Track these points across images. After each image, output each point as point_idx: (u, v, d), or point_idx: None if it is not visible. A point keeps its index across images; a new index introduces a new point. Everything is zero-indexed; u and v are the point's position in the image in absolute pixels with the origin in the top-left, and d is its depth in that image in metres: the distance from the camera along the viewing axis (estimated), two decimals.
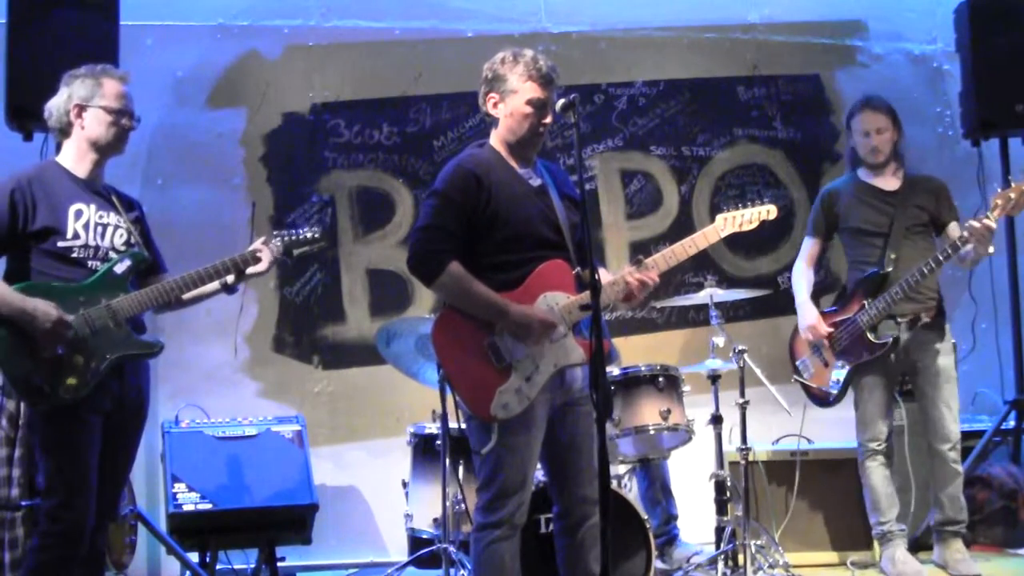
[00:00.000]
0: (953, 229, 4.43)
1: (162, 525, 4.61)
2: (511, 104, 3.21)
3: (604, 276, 3.27)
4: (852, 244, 4.52)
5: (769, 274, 5.70)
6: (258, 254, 3.44)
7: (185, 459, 4.57)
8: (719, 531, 4.47)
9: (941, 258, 4.18)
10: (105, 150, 3.34)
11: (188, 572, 4.53)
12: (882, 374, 4.39)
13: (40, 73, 4.23)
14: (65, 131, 3.33)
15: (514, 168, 3.26)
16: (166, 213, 5.04)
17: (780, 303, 5.64)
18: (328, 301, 5.35)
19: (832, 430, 5.06)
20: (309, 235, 3.58)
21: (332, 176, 5.41)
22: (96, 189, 3.36)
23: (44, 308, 3.10)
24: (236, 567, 4.70)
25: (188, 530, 4.49)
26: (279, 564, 4.61)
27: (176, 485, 4.49)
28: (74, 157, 3.34)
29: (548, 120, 3.22)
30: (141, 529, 4.57)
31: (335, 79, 5.44)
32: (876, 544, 4.53)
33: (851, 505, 4.73)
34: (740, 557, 4.30)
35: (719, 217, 3.45)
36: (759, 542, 4.38)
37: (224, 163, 5.31)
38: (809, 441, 4.90)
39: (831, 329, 4.45)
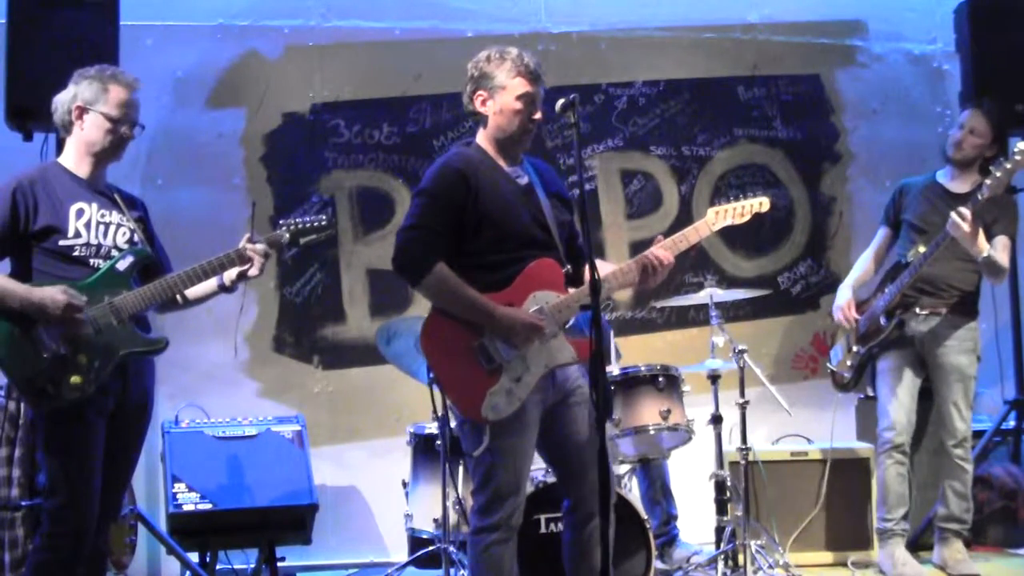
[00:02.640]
0: (996, 243, 4.34)
1: (162, 525, 4.61)
2: (500, 101, 3.20)
3: (605, 267, 3.25)
4: (906, 237, 4.53)
5: (769, 274, 5.69)
6: (246, 253, 3.36)
7: (185, 459, 4.57)
8: (719, 531, 4.47)
9: (934, 245, 4.23)
10: (100, 156, 3.33)
11: (188, 572, 4.53)
12: (899, 364, 4.43)
13: (40, 73, 4.23)
14: (67, 128, 3.32)
15: (501, 166, 3.24)
16: (166, 213, 5.01)
17: (780, 303, 5.66)
18: (328, 301, 5.35)
19: (832, 430, 5.07)
20: (316, 222, 3.51)
21: (332, 176, 5.41)
22: (98, 189, 3.35)
23: (51, 294, 3.08)
24: (236, 567, 4.70)
25: (188, 530, 4.49)
26: (279, 564, 4.61)
27: (176, 485, 4.49)
28: (74, 158, 3.33)
29: (537, 116, 3.20)
30: (141, 529, 4.57)
31: (335, 79, 5.44)
32: (876, 540, 4.54)
33: (851, 505, 4.74)
34: (740, 557, 4.30)
35: (711, 211, 3.39)
36: (759, 542, 4.39)
37: (224, 163, 5.31)
38: (809, 441, 4.90)
39: (858, 316, 4.51)
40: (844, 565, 4.67)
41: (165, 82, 5.24)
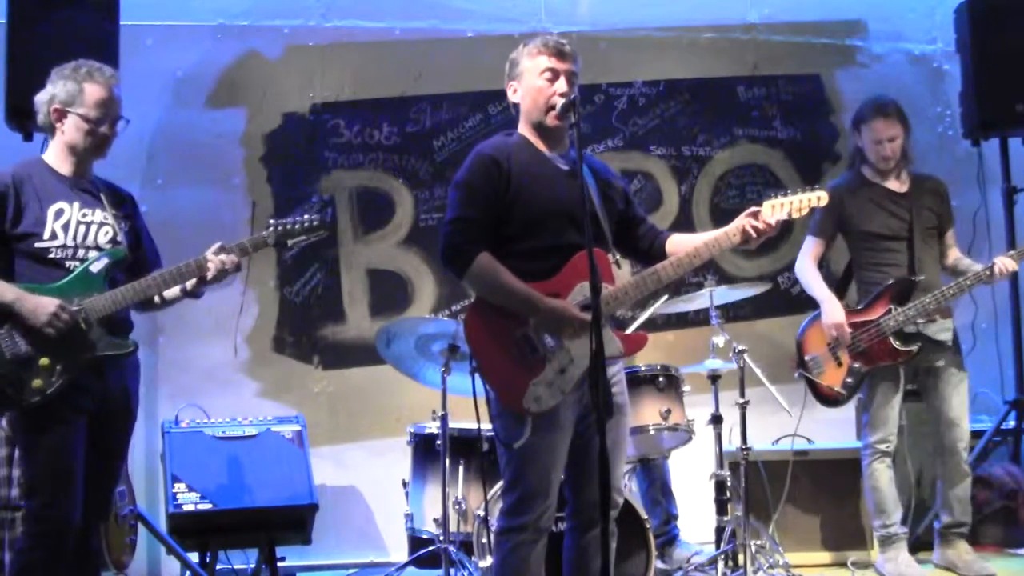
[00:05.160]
0: (950, 237, 4.51)
1: (162, 525, 4.62)
2: (525, 83, 3.18)
3: (690, 239, 3.19)
4: (866, 248, 4.45)
5: (769, 274, 5.70)
6: (206, 263, 3.26)
7: (185, 459, 4.57)
8: (719, 531, 4.47)
9: (984, 276, 4.24)
10: (83, 156, 3.30)
11: (188, 572, 4.53)
12: (898, 377, 4.39)
13: (40, 73, 4.18)
14: (50, 130, 3.30)
15: (542, 151, 3.19)
16: (166, 213, 5.03)
17: (780, 303, 5.66)
18: (328, 301, 5.35)
19: (831, 430, 5.06)
20: (307, 223, 3.40)
21: (332, 176, 5.41)
22: (83, 186, 3.31)
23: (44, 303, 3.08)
24: (236, 567, 4.70)
25: (188, 530, 4.49)
26: (279, 564, 4.62)
27: (176, 485, 4.49)
28: (57, 157, 3.30)
29: (564, 89, 3.12)
30: (141, 529, 4.57)
31: (335, 79, 5.44)
32: (876, 545, 4.53)
33: (851, 505, 4.74)
34: (740, 557, 4.30)
35: (766, 204, 3.18)
36: (759, 542, 4.38)
37: (224, 163, 5.30)
38: (809, 441, 4.90)
39: (851, 329, 4.36)
40: (843, 565, 4.67)
41: (165, 82, 5.24)
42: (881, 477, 4.41)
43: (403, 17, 5.50)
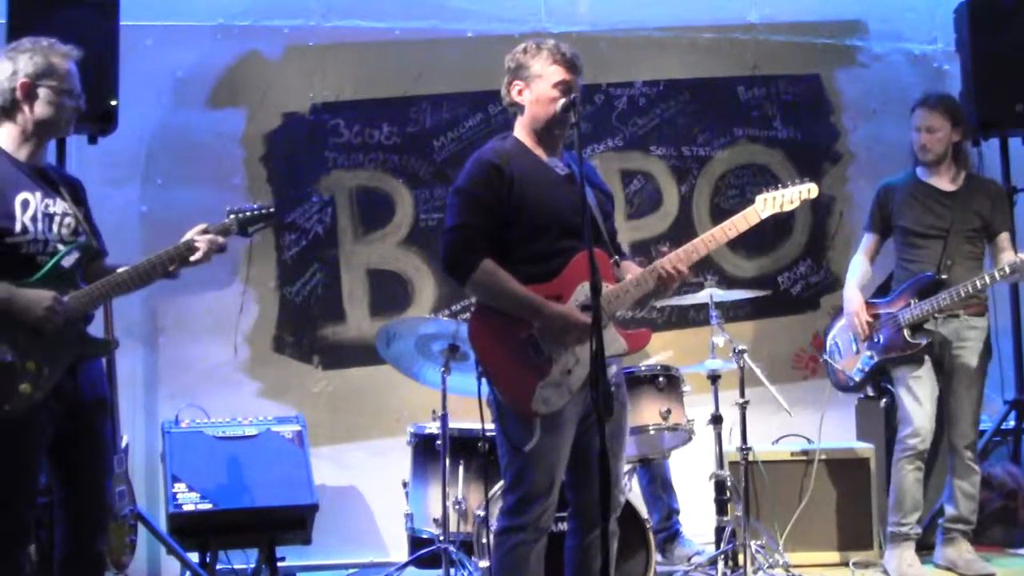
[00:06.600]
0: (1004, 240, 4.46)
1: (162, 525, 4.62)
2: (536, 89, 3.16)
3: (633, 269, 3.22)
4: (903, 242, 4.51)
5: (769, 274, 5.70)
6: (195, 244, 3.18)
7: (185, 459, 4.58)
8: (719, 531, 4.47)
9: (998, 276, 4.21)
10: (51, 133, 3.14)
11: (188, 572, 4.53)
12: (920, 370, 4.39)
13: None
14: (8, 111, 3.06)
15: (539, 156, 3.20)
16: (166, 213, 5.04)
17: (780, 303, 5.66)
18: (328, 301, 5.35)
19: (832, 430, 5.06)
20: (261, 211, 3.32)
21: (332, 176, 5.40)
22: (40, 174, 3.12)
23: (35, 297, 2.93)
24: (236, 567, 4.70)
25: (188, 530, 4.49)
26: (279, 564, 4.62)
27: (176, 485, 4.49)
28: (16, 139, 3.08)
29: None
30: (141, 529, 4.56)
31: (335, 79, 5.43)
32: (878, 543, 4.54)
33: (852, 505, 4.74)
34: (740, 557, 4.30)
35: (759, 198, 3.30)
36: (759, 542, 4.39)
37: (224, 163, 5.30)
38: (809, 441, 4.91)
39: (870, 319, 4.46)
40: (844, 565, 4.67)
41: (165, 82, 5.24)
42: (906, 477, 4.39)
43: (403, 17, 5.49)
